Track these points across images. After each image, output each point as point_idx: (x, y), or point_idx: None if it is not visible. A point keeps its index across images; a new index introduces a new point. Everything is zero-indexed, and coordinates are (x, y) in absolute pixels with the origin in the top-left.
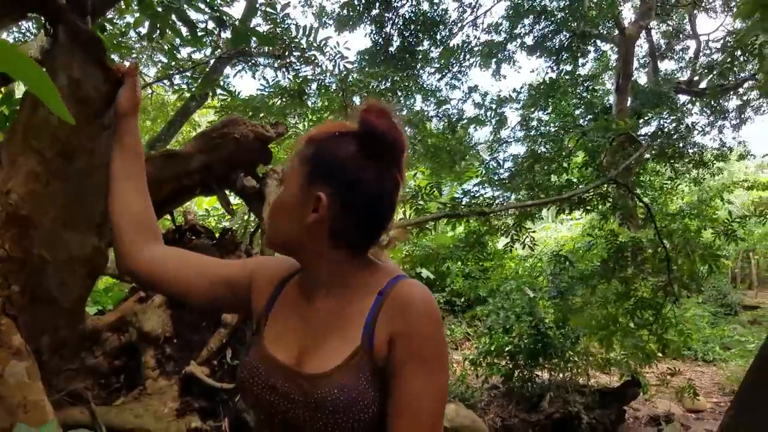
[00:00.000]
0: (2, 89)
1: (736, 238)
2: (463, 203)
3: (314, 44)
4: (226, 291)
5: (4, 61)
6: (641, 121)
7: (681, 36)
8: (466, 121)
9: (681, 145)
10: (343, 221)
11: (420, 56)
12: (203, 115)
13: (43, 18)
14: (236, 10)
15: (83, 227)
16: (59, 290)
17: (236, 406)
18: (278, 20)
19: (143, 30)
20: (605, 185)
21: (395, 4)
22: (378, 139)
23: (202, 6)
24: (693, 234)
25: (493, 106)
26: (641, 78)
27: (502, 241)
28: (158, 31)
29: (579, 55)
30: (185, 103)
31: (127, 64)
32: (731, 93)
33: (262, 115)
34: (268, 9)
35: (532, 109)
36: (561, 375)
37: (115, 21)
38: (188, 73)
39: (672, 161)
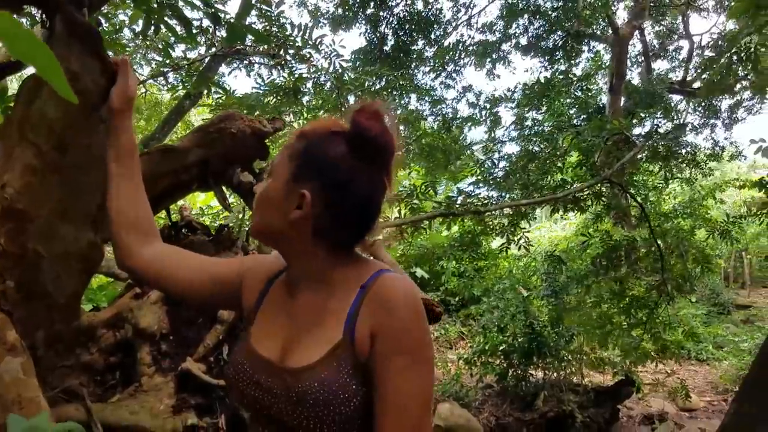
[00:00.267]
0: None
1: (731, 238)
2: (458, 202)
3: (309, 42)
4: (219, 289)
5: (12, 39)
6: (634, 120)
7: (674, 36)
8: (460, 120)
9: (674, 145)
10: (327, 220)
11: (414, 55)
12: (200, 114)
13: (40, 10)
14: (231, 8)
15: (79, 221)
16: (54, 285)
17: (233, 402)
18: (273, 18)
19: (138, 27)
20: (599, 185)
21: (390, 3)
22: (368, 141)
23: (197, 3)
24: (686, 233)
25: (488, 106)
26: (634, 78)
27: (497, 240)
28: (153, 28)
29: (573, 54)
30: (179, 101)
31: (123, 56)
32: (724, 93)
33: (257, 113)
34: (263, 7)
35: (527, 109)
36: (555, 374)
37: (109, 17)
38: (182, 71)
39: (665, 161)
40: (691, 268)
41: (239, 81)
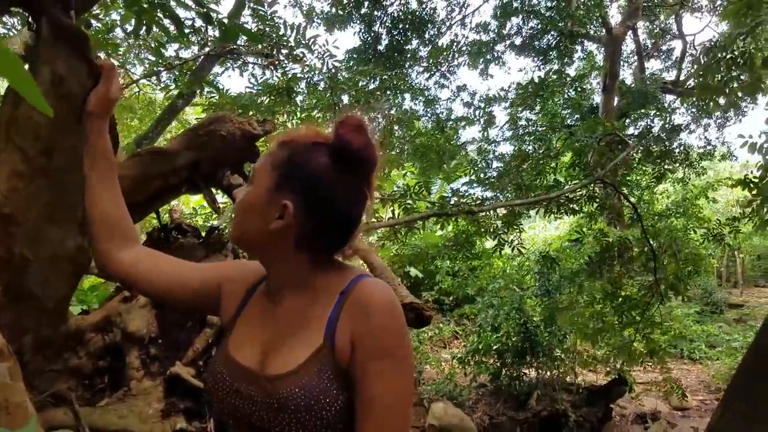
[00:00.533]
0: None
1: (725, 243)
2: (452, 202)
3: (302, 42)
4: (197, 294)
5: None
6: (628, 120)
7: (667, 36)
8: (454, 120)
9: (667, 144)
10: (309, 230)
11: (409, 55)
12: (197, 114)
13: (26, 13)
14: (224, 8)
15: (66, 225)
16: (42, 289)
17: (215, 410)
18: (266, 17)
19: (130, 27)
20: (592, 185)
21: (384, 2)
22: (351, 154)
23: (189, 2)
24: (680, 233)
25: (482, 105)
26: (628, 78)
27: (491, 241)
28: (144, 28)
29: (567, 54)
30: (172, 101)
31: (107, 60)
32: (717, 94)
33: (251, 113)
34: (256, 6)
35: (520, 109)
36: (548, 373)
37: (100, 17)
38: (175, 71)
39: (659, 161)
40: (683, 268)
41: (233, 81)
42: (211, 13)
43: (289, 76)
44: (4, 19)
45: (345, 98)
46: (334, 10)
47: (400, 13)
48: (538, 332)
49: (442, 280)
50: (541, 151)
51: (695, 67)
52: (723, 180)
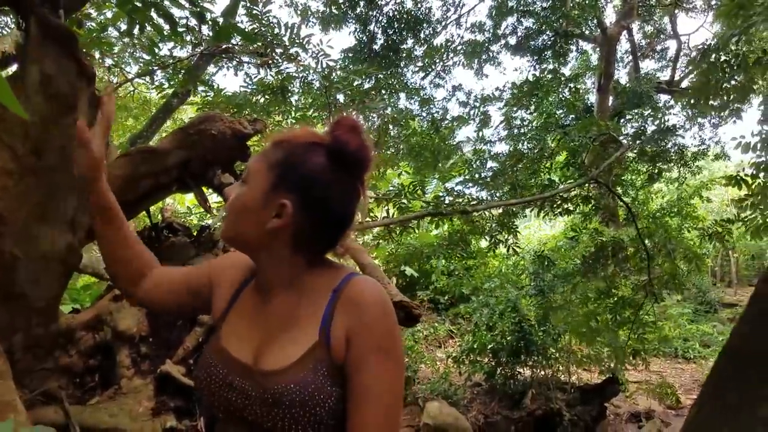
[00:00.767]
0: None
1: (722, 242)
2: (446, 202)
3: (297, 41)
4: (198, 298)
5: None
6: (622, 120)
7: (662, 36)
8: (449, 120)
9: (662, 143)
10: (305, 230)
11: (404, 54)
12: (193, 113)
13: (15, 13)
14: (218, 7)
15: (56, 223)
16: (32, 288)
17: (204, 403)
18: (260, 16)
19: (124, 26)
20: (587, 185)
21: (379, 2)
22: (347, 155)
23: (182, 1)
24: (674, 232)
25: (477, 104)
26: (622, 78)
27: (486, 241)
28: (137, 27)
29: (562, 54)
30: (167, 100)
31: (83, 123)
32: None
33: (246, 112)
34: (251, 6)
35: (515, 108)
36: (543, 372)
37: (92, 16)
38: (170, 70)
39: (653, 161)
40: (679, 266)
41: (228, 80)
42: (205, 12)
43: (284, 75)
44: None
45: (340, 98)
46: (329, 9)
47: (396, 13)
48: (533, 331)
49: (437, 279)
50: (535, 151)
51: (690, 67)
52: (716, 179)
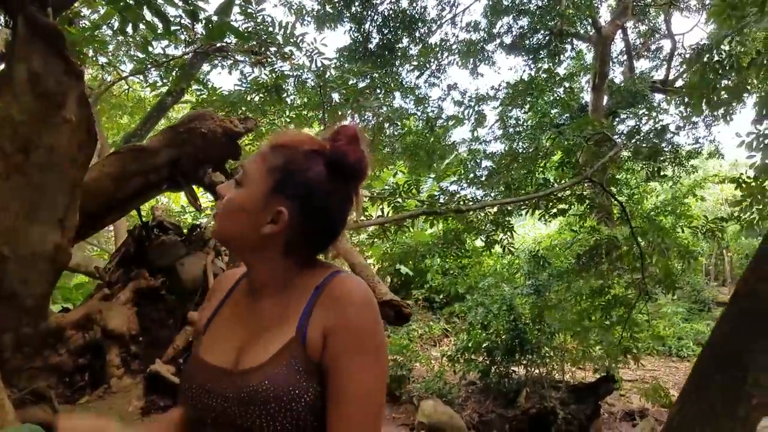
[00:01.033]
0: None
1: (716, 238)
2: (441, 201)
3: (291, 40)
4: None
5: None
6: (617, 120)
7: (656, 35)
8: (444, 119)
9: (656, 142)
10: (300, 236)
11: (399, 53)
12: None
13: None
14: (212, 6)
15: (45, 223)
16: (21, 287)
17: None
18: (255, 15)
19: (117, 24)
20: (582, 184)
21: (374, 0)
22: (347, 167)
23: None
24: (669, 231)
25: (472, 104)
26: (617, 77)
27: (481, 240)
28: (130, 25)
29: (556, 53)
30: (161, 98)
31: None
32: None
33: (243, 109)
34: (245, 4)
35: (510, 107)
36: (537, 371)
37: (86, 15)
38: (163, 68)
39: (648, 160)
40: (673, 265)
41: (223, 78)
42: (198, 11)
43: (278, 74)
44: None
45: (335, 96)
46: (324, 8)
47: (391, 12)
48: (528, 330)
49: (432, 278)
50: (530, 150)
51: (684, 67)
52: (710, 177)
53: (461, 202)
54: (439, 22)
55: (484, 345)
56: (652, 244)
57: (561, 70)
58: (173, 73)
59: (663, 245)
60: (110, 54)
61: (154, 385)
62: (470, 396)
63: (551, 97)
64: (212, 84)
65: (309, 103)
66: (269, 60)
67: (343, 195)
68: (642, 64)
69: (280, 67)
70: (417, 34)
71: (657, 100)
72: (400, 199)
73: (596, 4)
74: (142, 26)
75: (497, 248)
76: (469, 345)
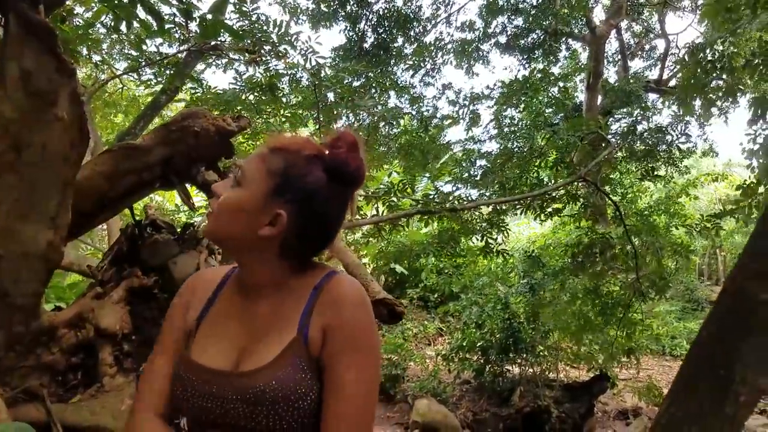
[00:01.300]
0: None
1: (710, 236)
2: (436, 200)
3: (285, 38)
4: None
5: None
6: (611, 119)
7: (651, 35)
8: (439, 119)
9: (650, 142)
10: (296, 239)
11: (394, 52)
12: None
13: None
14: (206, 4)
15: (38, 221)
16: (13, 286)
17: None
18: (249, 13)
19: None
20: (576, 184)
21: (369, 0)
22: (346, 174)
23: None
24: (662, 230)
25: (467, 103)
26: (611, 76)
27: (477, 240)
28: (124, 23)
29: (551, 53)
30: (155, 97)
31: None
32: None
33: (238, 108)
34: (239, 3)
35: (505, 107)
36: (531, 369)
37: (79, 13)
38: (157, 67)
39: (643, 160)
40: (666, 265)
41: (217, 77)
42: (192, 9)
43: (272, 72)
44: None
45: (330, 95)
46: (319, 7)
47: (386, 11)
48: (522, 329)
49: (427, 277)
50: (525, 150)
51: (678, 66)
52: (703, 176)
53: (456, 202)
54: (434, 22)
55: (479, 344)
56: (645, 244)
57: (555, 70)
58: (167, 72)
59: (657, 244)
60: (104, 52)
61: None
62: (464, 395)
63: (546, 97)
64: (207, 82)
65: (304, 102)
66: (264, 59)
67: (340, 200)
68: (636, 64)
69: (275, 65)
70: (412, 34)
71: (651, 99)
72: (395, 198)
73: (591, 4)
74: (135, 24)
75: (492, 248)
76: (464, 344)
